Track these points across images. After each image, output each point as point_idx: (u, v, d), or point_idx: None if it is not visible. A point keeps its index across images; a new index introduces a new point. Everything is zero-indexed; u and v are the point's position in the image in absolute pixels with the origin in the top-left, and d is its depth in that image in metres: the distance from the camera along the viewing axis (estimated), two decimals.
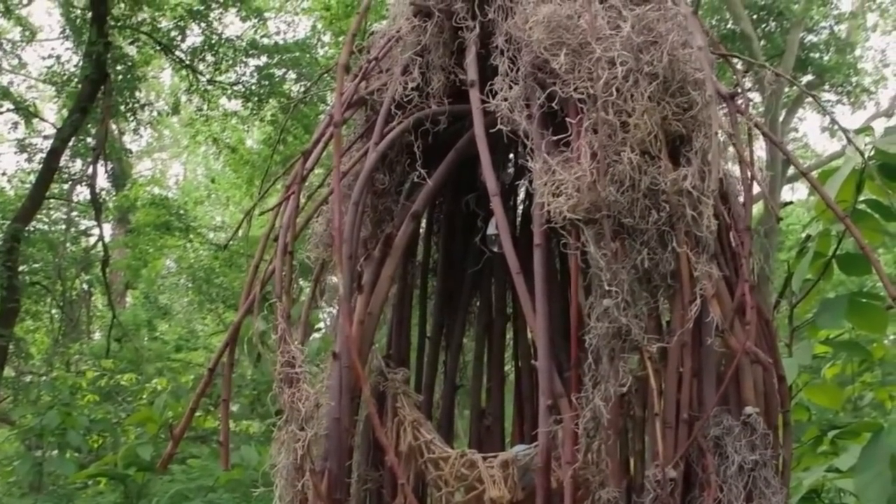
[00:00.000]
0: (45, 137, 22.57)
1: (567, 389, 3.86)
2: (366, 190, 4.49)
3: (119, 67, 20.82)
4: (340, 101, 4.56)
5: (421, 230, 5.32)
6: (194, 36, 22.15)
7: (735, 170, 4.36)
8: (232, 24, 24.78)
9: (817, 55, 27.05)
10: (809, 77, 27.18)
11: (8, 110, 22.45)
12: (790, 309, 6.65)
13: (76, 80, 20.80)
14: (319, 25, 26.17)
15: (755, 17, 25.73)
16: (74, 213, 26.57)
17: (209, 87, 22.49)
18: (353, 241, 4.34)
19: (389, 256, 4.53)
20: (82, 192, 24.92)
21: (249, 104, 22.22)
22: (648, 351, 3.75)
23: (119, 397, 16.15)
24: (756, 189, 4.37)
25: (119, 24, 20.61)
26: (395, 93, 4.60)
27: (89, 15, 19.72)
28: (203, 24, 21.66)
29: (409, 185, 4.71)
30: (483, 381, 5.40)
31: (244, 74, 22.38)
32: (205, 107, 23.13)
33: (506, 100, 4.26)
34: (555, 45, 4.15)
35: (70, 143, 20.26)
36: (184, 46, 22.14)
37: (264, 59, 22.20)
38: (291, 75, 22.72)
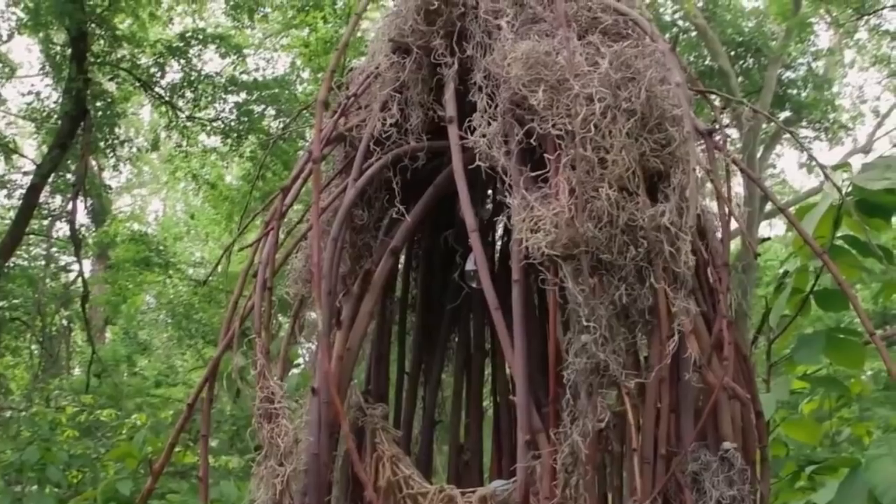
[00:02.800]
0: (25, 174, 22.55)
1: (545, 425, 3.86)
2: (345, 226, 4.50)
3: (98, 104, 20.79)
4: (319, 137, 4.57)
5: (399, 266, 5.32)
6: (174, 72, 22.13)
7: (713, 206, 4.37)
8: (211, 61, 24.83)
9: (795, 91, 27.23)
10: (787, 113, 27.35)
11: None
12: (768, 344, 6.66)
13: (56, 116, 20.80)
14: (298, 62, 26.21)
15: (733, 53, 25.92)
16: (54, 249, 26.59)
17: (188, 124, 22.44)
18: (332, 276, 4.34)
19: (368, 292, 4.53)
20: (62, 228, 24.94)
21: (229, 140, 22.20)
22: (626, 386, 3.75)
23: (99, 433, 16.06)
24: (734, 225, 4.38)
25: (99, 60, 20.62)
26: (374, 129, 4.60)
27: (69, 52, 19.77)
28: (182, 61, 21.65)
29: (388, 221, 4.71)
30: (461, 416, 5.40)
31: (223, 111, 22.34)
32: (184, 143, 23.07)
33: (484, 136, 4.26)
34: (533, 81, 4.15)
35: (50, 180, 20.30)
36: (163, 83, 22.10)
37: (243, 95, 22.14)
38: (271, 111, 22.67)
